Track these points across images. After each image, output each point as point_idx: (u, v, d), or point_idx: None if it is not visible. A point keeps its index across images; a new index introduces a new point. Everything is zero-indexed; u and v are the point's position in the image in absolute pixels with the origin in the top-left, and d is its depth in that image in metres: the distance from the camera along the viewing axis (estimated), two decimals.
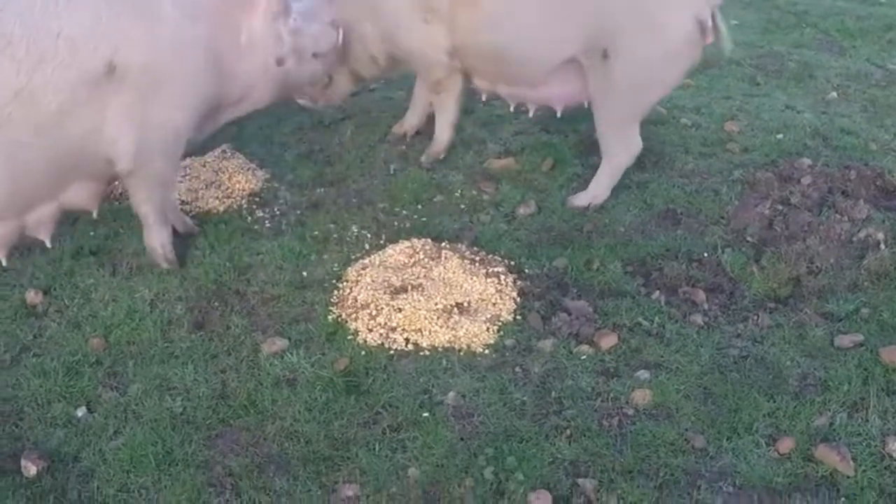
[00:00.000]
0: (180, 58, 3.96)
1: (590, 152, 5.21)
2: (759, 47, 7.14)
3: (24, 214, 3.97)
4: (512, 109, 5.19)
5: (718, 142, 5.35)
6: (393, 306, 3.87)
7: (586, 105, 4.85)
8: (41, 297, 4.32)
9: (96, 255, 4.64)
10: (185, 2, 4.02)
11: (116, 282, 4.38)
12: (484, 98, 5.22)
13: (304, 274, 4.31)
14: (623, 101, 4.63)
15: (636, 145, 4.78)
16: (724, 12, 7.66)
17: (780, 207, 4.51)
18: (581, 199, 4.87)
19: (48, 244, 4.20)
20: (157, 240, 4.37)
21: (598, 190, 4.85)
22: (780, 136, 5.44)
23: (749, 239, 4.38)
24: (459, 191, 5.06)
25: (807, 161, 4.94)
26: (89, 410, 3.61)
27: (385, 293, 3.94)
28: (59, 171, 3.87)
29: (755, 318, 3.84)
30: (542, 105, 4.99)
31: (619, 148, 4.78)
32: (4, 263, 4.17)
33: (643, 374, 3.52)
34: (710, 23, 4.44)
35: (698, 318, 3.84)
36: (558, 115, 5.03)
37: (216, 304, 4.16)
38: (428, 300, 3.88)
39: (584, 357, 3.64)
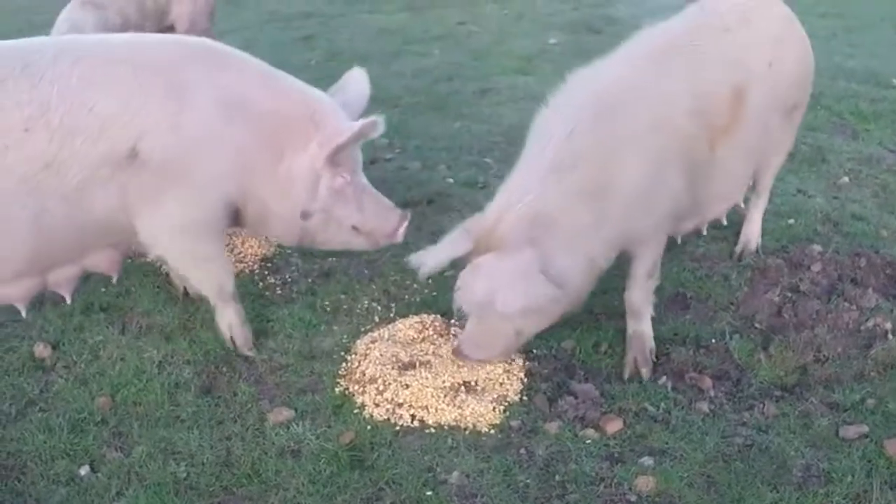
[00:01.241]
0: (204, 153, 3.83)
1: None
2: None
3: (47, 273, 3.99)
4: (704, 232, 4.88)
5: (730, 225, 5.34)
6: (400, 382, 3.88)
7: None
8: (49, 351, 4.36)
9: (106, 312, 4.68)
10: (227, 97, 3.87)
11: (125, 340, 4.42)
12: (679, 240, 4.72)
13: (313, 344, 4.33)
14: (793, 139, 4.85)
15: None
16: None
17: (790, 294, 4.52)
18: (752, 246, 5.02)
19: (68, 300, 4.22)
20: (223, 322, 4.27)
21: (758, 228, 5.05)
22: (791, 221, 5.46)
23: (757, 326, 4.39)
24: None
25: (817, 248, 4.96)
26: (93, 470, 3.62)
27: (393, 368, 3.95)
28: (83, 239, 3.88)
29: (761, 406, 3.83)
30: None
31: (770, 184, 4.98)
32: (24, 315, 4.18)
33: (647, 461, 3.51)
34: None
35: (704, 406, 3.84)
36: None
37: (224, 369, 4.19)
38: (435, 377, 3.88)
39: (588, 441, 3.63)
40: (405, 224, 4.24)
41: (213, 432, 3.78)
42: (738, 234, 5.20)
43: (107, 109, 3.62)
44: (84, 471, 3.62)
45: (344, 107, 4.16)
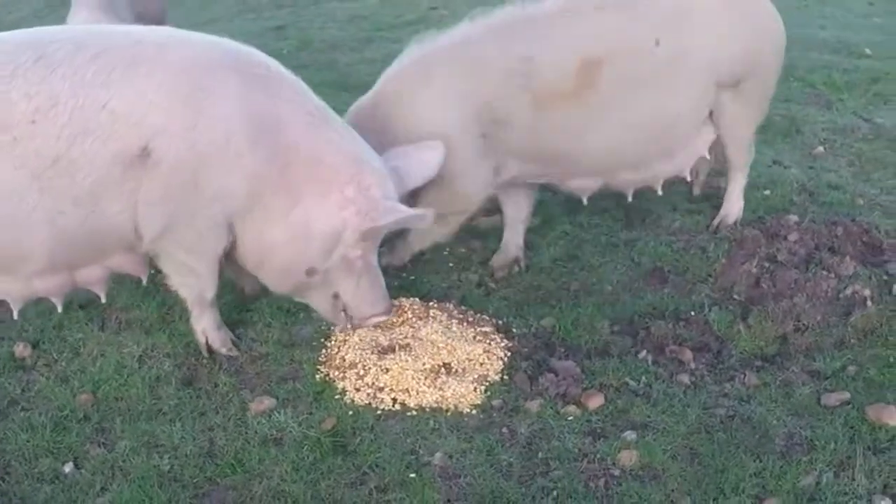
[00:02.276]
0: (215, 166, 3.69)
1: (577, 210, 5.25)
2: None
3: (73, 271, 3.95)
4: (630, 199, 4.94)
5: (706, 198, 5.39)
6: (380, 366, 3.88)
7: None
8: (29, 350, 4.34)
9: (85, 310, 4.64)
10: (258, 118, 3.72)
11: (105, 336, 4.40)
12: (586, 200, 4.81)
13: (293, 332, 4.32)
14: (756, 115, 4.93)
15: (752, 152, 5.13)
16: None
17: (767, 265, 4.53)
18: (729, 219, 5.06)
19: (103, 299, 4.20)
20: (198, 326, 4.18)
21: (735, 207, 5.09)
22: (767, 192, 5.49)
23: (736, 297, 4.41)
24: (447, 248, 5.07)
25: (794, 217, 4.98)
26: (76, 466, 3.61)
27: (373, 353, 3.95)
28: (99, 242, 3.82)
29: (742, 376, 3.85)
30: (674, 177, 4.88)
31: (745, 161, 5.05)
32: (59, 310, 4.18)
33: (630, 435, 3.52)
34: None
35: (685, 378, 3.85)
36: (688, 179, 5.02)
37: (205, 361, 4.17)
38: (415, 360, 3.88)
39: (570, 418, 3.64)
40: (387, 317, 4.05)
41: (195, 424, 3.77)
42: (714, 206, 5.22)
43: (121, 106, 3.53)
44: (68, 468, 3.60)
45: (396, 172, 3.96)
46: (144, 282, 4.24)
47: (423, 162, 4.07)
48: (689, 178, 4.98)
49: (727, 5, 4.58)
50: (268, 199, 3.77)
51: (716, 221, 5.07)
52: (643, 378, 3.86)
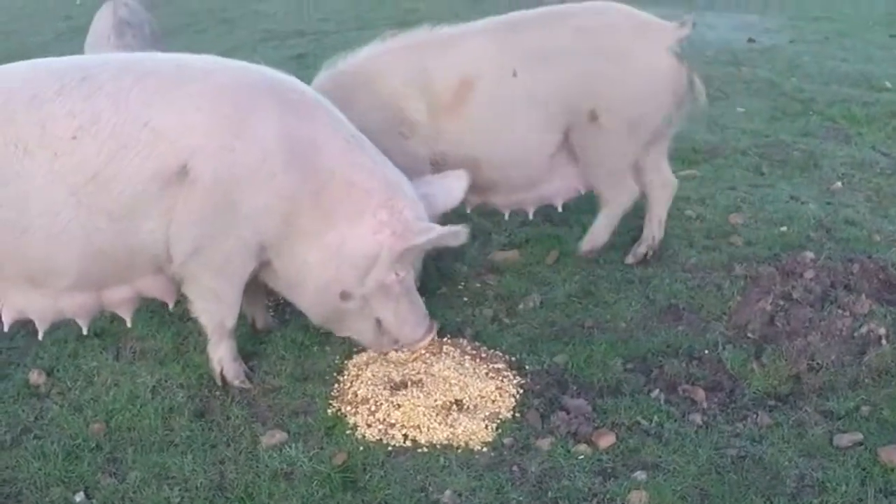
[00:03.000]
0: (250, 188, 3.75)
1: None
2: (765, 136, 7.19)
3: (101, 291, 4.01)
4: (507, 217, 5.23)
5: (722, 234, 5.37)
6: (392, 402, 3.87)
7: (582, 192, 5.01)
8: (44, 378, 4.38)
9: (100, 338, 4.69)
10: (294, 142, 3.80)
11: (119, 366, 4.43)
12: (469, 210, 5.03)
13: (306, 366, 4.33)
14: (620, 149, 4.82)
15: (634, 188, 5.01)
16: (731, 101, 7.86)
17: (782, 303, 4.49)
18: (585, 246, 5.17)
19: (129, 324, 4.25)
20: (214, 355, 4.20)
21: (599, 234, 5.14)
22: (783, 228, 5.46)
23: (750, 335, 4.37)
24: (463, 283, 5.10)
25: (810, 255, 4.94)
26: (87, 496, 3.62)
27: (385, 389, 3.94)
28: (132, 260, 3.88)
29: (754, 416, 3.82)
30: (543, 204, 5.08)
31: (618, 192, 4.99)
32: (85, 332, 4.24)
33: (640, 475, 3.50)
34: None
35: (697, 418, 3.82)
36: (559, 209, 5.12)
37: (217, 393, 4.19)
38: (427, 397, 3.88)
39: (581, 456, 3.62)
40: (431, 336, 4.14)
41: (206, 456, 3.78)
42: (730, 244, 5.21)
43: (161, 125, 3.63)
44: (79, 497, 3.61)
45: (425, 198, 4.06)
46: (171, 307, 4.27)
47: (449, 189, 4.20)
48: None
49: (585, 40, 4.71)
50: (302, 221, 3.85)
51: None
52: (655, 417, 3.83)
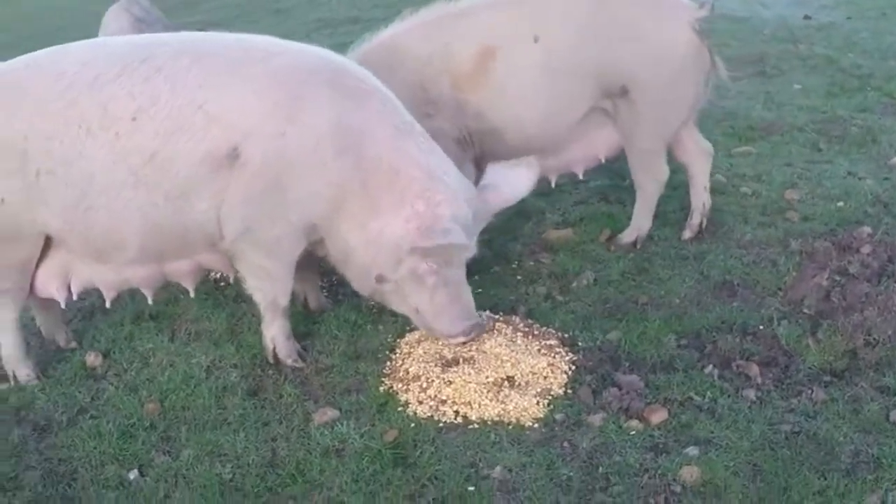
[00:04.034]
0: (300, 173, 3.77)
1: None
2: (822, 112, 7.08)
3: (162, 263, 4.11)
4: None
5: (778, 210, 5.29)
6: (444, 379, 3.87)
7: (603, 161, 5.00)
8: (100, 359, 4.45)
9: (156, 320, 4.75)
10: (346, 129, 3.80)
11: (174, 347, 4.49)
12: None
13: (359, 344, 4.35)
14: (652, 129, 4.79)
15: (663, 174, 4.97)
16: (787, 77, 7.72)
17: (838, 278, 4.40)
18: (628, 237, 5.11)
19: (191, 294, 4.33)
20: (267, 333, 4.24)
21: (640, 223, 5.08)
22: (840, 203, 5.36)
23: (806, 311, 4.29)
24: (517, 261, 5.09)
25: (867, 229, 4.84)
26: (141, 474, 3.68)
27: (436, 366, 3.94)
28: (187, 237, 3.95)
29: (809, 392, 3.75)
30: (564, 172, 5.06)
31: (649, 177, 4.96)
32: (150, 301, 4.34)
33: (692, 451, 3.45)
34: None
35: (751, 393, 3.76)
36: (580, 176, 5.11)
37: (270, 372, 4.22)
38: (479, 373, 3.87)
39: (633, 432, 3.58)
40: (467, 337, 3.99)
41: (258, 434, 3.81)
42: (786, 220, 5.13)
43: (215, 107, 3.68)
44: (133, 475, 3.67)
45: (486, 188, 4.04)
46: (231, 280, 4.29)
47: (516, 180, 4.09)
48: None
49: (608, 14, 4.68)
50: (349, 206, 3.85)
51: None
52: (708, 393, 3.78)
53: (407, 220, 3.78)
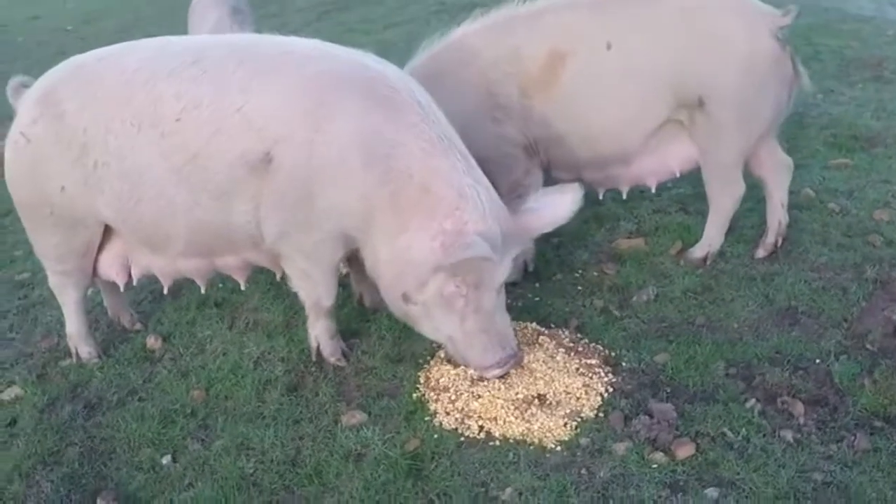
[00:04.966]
0: (329, 181, 3.74)
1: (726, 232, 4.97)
2: None
3: (212, 258, 4.21)
4: (601, 197, 4.98)
5: (862, 232, 4.97)
6: (472, 392, 3.84)
7: (678, 174, 4.78)
8: (160, 343, 4.61)
9: (219, 307, 4.89)
10: (373, 140, 3.72)
11: (231, 336, 4.60)
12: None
13: (403, 347, 4.35)
14: (730, 142, 4.56)
15: (740, 189, 4.75)
16: None
17: None
18: (698, 252, 4.92)
19: (243, 287, 4.42)
20: (312, 331, 4.29)
21: (712, 239, 4.89)
22: None
23: (869, 347, 4.02)
24: (581, 270, 4.98)
25: None
26: (174, 459, 3.81)
27: (466, 378, 3.91)
28: (231, 236, 4.02)
29: (852, 439, 3.50)
30: (636, 184, 4.86)
31: (724, 193, 4.75)
32: (203, 291, 4.47)
33: (712, 493, 3.29)
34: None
35: (789, 434, 3.55)
36: (653, 190, 4.91)
37: (313, 368, 4.28)
38: (509, 389, 3.81)
39: (655, 465, 3.45)
40: (501, 370, 3.84)
41: (287, 431, 3.87)
42: (868, 243, 4.83)
43: (252, 112, 3.72)
44: (166, 460, 3.80)
45: (527, 213, 3.88)
46: (278, 277, 4.33)
47: (558, 204, 3.90)
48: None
49: (688, 23, 4.44)
50: (379, 219, 3.78)
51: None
52: (743, 430, 3.59)
53: (433, 238, 3.67)
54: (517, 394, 3.80)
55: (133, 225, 4.07)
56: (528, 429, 3.68)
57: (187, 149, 3.79)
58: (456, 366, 3.99)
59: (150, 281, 4.52)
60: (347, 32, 10.43)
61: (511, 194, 4.34)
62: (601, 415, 3.76)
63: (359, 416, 3.89)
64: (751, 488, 3.31)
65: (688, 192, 5.61)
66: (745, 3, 4.52)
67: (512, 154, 4.64)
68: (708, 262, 4.86)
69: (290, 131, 3.70)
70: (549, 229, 3.96)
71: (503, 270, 3.80)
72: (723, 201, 4.78)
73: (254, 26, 6.42)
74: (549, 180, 4.80)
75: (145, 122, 3.83)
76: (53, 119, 3.95)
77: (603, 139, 4.61)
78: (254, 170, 3.75)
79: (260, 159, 3.73)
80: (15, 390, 4.34)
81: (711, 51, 4.39)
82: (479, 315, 3.79)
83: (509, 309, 4.12)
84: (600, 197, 4.97)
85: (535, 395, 3.82)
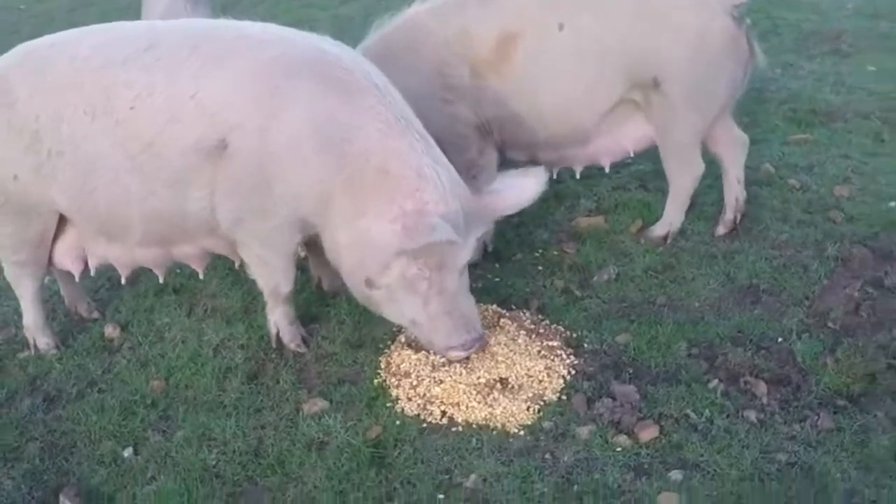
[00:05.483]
0: (283, 167, 3.69)
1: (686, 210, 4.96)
2: (893, 98, 6.58)
3: (169, 247, 4.14)
4: (554, 176, 4.87)
5: (823, 208, 4.99)
6: (434, 378, 3.80)
7: (632, 154, 4.79)
8: (118, 331, 4.54)
9: (177, 294, 4.82)
10: (327, 124, 3.68)
11: (189, 323, 4.54)
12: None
13: (363, 332, 4.30)
14: (686, 121, 4.54)
15: (698, 168, 4.74)
16: (863, 57, 7.26)
17: (871, 290, 4.13)
18: (659, 231, 4.91)
19: (201, 276, 4.37)
20: (271, 318, 4.25)
21: (672, 217, 4.88)
22: (892, 203, 5.01)
23: (830, 325, 4.04)
24: (541, 249, 4.96)
25: None
26: (135, 452, 3.74)
27: (427, 364, 3.87)
28: (186, 225, 3.96)
29: (815, 418, 3.51)
30: (590, 163, 4.85)
31: (683, 172, 4.75)
32: (161, 280, 4.41)
33: (676, 475, 3.29)
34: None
35: (752, 415, 3.55)
36: (606, 169, 4.91)
37: (273, 355, 4.23)
38: (470, 373, 3.78)
39: (619, 449, 3.44)
40: (466, 352, 3.80)
41: (249, 420, 3.82)
42: (828, 219, 4.85)
43: (205, 98, 3.66)
44: (127, 453, 3.74)
45: (491, 194, 3.85)
46: (236, 265, 4.28)
47: (521, 188, 3.86)
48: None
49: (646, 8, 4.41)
50: (336, 204, 3.73)
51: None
52: (706, 411, 3.59)
53: (393, 221, 3.61)
54: (479, 378, 3.77)
55: (88, 214, 3.98)
56: (491, 413, 3.65)
57: (141, 137, 3.71)
58: (417, 351, 3.95)
59: (108, 269, 4.43)
60: (304, 7, 10.29)
61: (466, 174, 4.22)
62: (564, 398, 3.75)
63: (320, 404, 3.84)
64: (715, 470, 3.32)
65: (647, 169, 5.58)
66: None
67: (465, 134, 4.59)
68: (668, 241, 4.85)
69: (244, 117, 3.64)
70: (512, 211, 3.94)
71: (466, 252, 3.77)
72: (682, 181, 4.77)
73: (210, 5, 6.28)
74: (504, 160, 4.80)
75: (98, 109, 3.75)
76: (4, 107, 3.86)
77: (556, 120, 4.57)
78: (209, 156, 3.68)
79: (215, 146, 3.66)
80: None
81: (665, 30, 4.36)
82: (442, 297, 3.75)
83: (470, 290, 4.05)
84: (553, 176, 4.84)
85: (498, 378, 3.79)
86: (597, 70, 4.43)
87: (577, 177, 5.01)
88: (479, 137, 4.64)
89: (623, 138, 4.66)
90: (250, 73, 3.68)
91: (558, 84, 4.46)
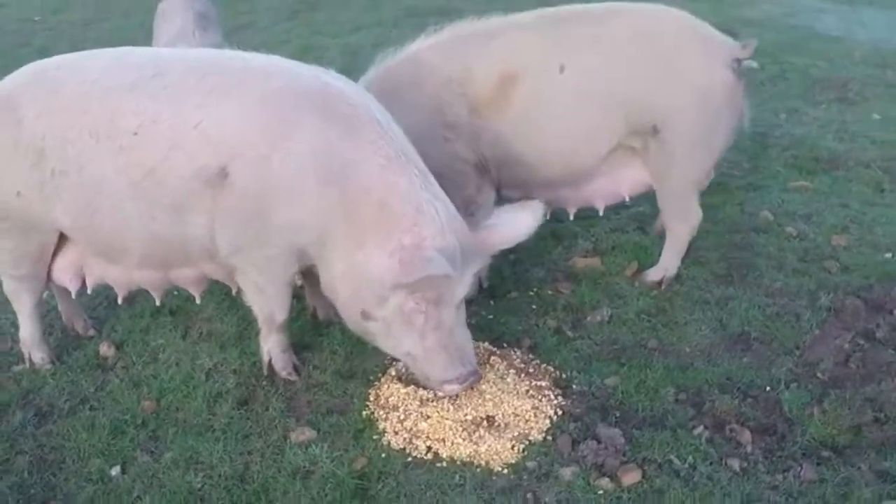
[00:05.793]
0: (284, 198, 3.73)
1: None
2: (895, 147, 6.61)
3: (167, 270, 4.18)
4: (547, 217, 4.74)
5: (818, 258, 5.00)
6: (421, 413, 3.83)
7: (627, 199, 4.82)
8: (113, 350, 4.57)
9: (174, 316, 4.85)
10: (330, 157, 3.72)
11: (184, 345, 4.57)
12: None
13: (355, 363, 4.33)
14: (683, 171, 4.58)
15: (696, 216, 4.77)
16: (868, 105, 7.28)
17: (862, 342, 4.16)
18: (654, 276, 4.93)
19: (198, 301, 4.40)
20: (264, 345, 4.27)
21: (668, 263, 4.90)
22: (888, 255, 5.03)
23: (819, 375, 4.06)
24: (536, 289, 4.98)
25: None
26: (123, 471, 3.77)
27: (415, 399, 3.89)
28: (187, 249, 3.99)
29: (798, 469, 3.53)
30: (584, 206, 4.89)
31: (680, 220, 4.78)
32: (158, 303, 4.46)
33: None
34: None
35: (735, 463, 3.57)
36: (600, 213, 4.94)
37: (264, 382, 4.25)
38: (458, 410, 3.81)
39: (600, 492, 3.46)
40: (461, 386, 3.82)
41: (237, 445, 3.85)
42: (823, 269, 4.86)
43: (209, 128, 3.70)
44: (115, 471, 3.76)
45: (490, 228, 3.88)
46: (234, 292, 4.32)
47: (518, 222, 3.90)
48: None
49: (639, 48, 4.45)
50: (335, 236, 3.77)
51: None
52: (690, 458, 3.61)
53: (391, 255, 3.64)
54: (466, 415, 3.80)
55: (89, 235, 4.04)
56: (476, 451, 3.67)
57: (144, 164, 3.76)
58: (406, 385, 3.98)
59: (106, 287, 4.47)
60: (315, 35, 10.36)
61: (464, 211, 4.24)
62: (549, 438, 3.77)
63: (308, 433, 3.87)
64: None
65: (646, 212, 5.61)
66: (702, 32, 4.53)
67: (463, 171, 4.63)
68: (663, 287, 4.87)
69: (246, 147, 3.69)
70: (509, 245, 3.97)
71: (463, 286, 3.80)
72: (679, 229, 4.80)
73: (219, 31, 6.35)
74: (500, 199, 4.83)
75: (103, 133, 3.80)
76: (12, 125, 3.91)
77: (553, 161, 4.60)
78: (209, 184, 3.73)
79: (216, 174, 3.70)
80: None
81: (667, 79, 4.39)
82: (439, 331, 3.78)
83: None
84: (547, 217, 4.83)
85: (484, 416, 3.81)
86: (596, 113, 4.46)
87: (572, 218, 5.04)
88: (477, 175, 4.67)
89: (619, 182, 4.70)
90: (255, 104, 3.73)
91: (557, 126, 4.49)
